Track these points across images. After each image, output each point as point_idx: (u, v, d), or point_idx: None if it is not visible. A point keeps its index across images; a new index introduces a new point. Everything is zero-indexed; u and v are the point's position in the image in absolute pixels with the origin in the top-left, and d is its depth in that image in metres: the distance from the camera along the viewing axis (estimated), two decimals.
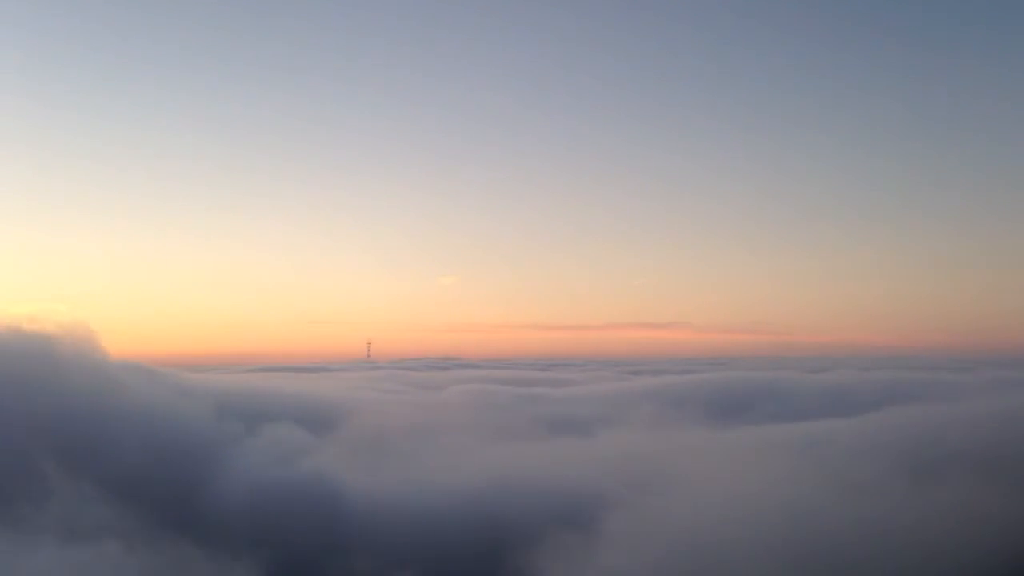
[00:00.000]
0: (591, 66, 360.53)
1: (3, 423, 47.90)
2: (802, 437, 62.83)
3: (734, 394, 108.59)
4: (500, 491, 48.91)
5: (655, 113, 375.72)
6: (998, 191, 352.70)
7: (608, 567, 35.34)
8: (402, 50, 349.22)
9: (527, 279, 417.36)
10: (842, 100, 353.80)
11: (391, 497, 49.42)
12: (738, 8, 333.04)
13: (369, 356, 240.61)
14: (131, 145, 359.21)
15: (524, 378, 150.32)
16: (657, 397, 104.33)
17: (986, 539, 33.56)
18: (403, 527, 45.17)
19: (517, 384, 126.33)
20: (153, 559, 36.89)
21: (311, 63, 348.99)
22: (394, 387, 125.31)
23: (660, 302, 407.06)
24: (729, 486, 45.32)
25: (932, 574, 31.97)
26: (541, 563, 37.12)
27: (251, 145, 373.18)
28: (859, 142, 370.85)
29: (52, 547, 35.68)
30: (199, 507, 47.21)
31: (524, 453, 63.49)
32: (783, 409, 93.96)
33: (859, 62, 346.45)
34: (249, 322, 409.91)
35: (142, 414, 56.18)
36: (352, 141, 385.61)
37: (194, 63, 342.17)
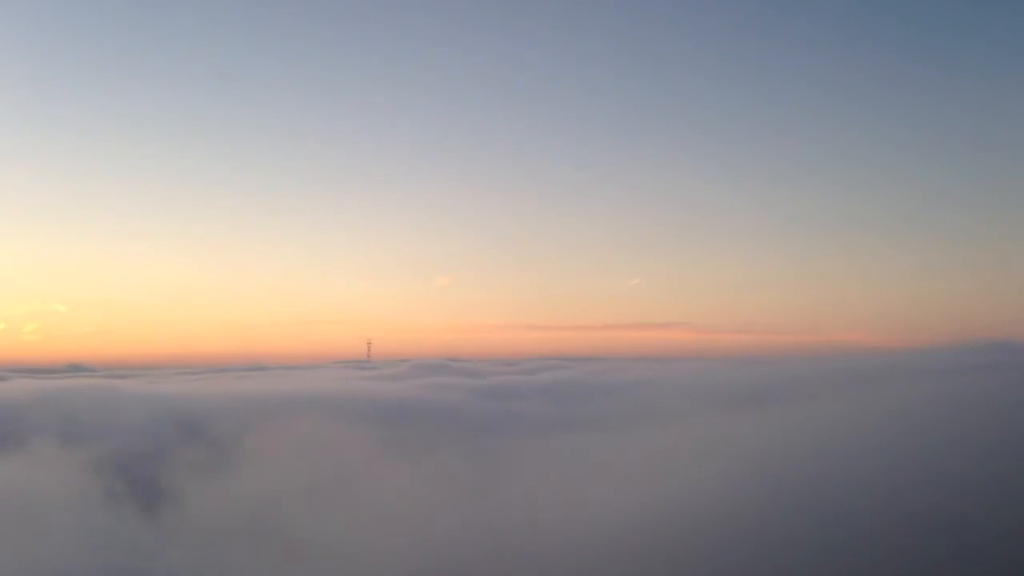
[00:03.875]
0: (588, 65, 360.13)
1: None
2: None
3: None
4: None
5: (653, 112, 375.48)
6: (1001, 193, 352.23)
7: None
8: (400, 51, 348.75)
9: (526, 280, 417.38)
10: (845, 99, 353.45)
11: None
12: (738, 4, 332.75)
13: (369, 356, 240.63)
14: (130, 144, 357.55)
15: None
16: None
17: None
18: None
19: None
20: None
21: (308, 64, 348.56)
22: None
23: (659, 302, 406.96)
24: None
25: None
26: None
27: (249, 146, 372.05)
28: (859, 141, 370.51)
29: None
30: None
31: None
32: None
33: (852, 66, 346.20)
34: (248, 323, 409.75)
35: None
36: (351, 142, 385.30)
37: (192, 65, 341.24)
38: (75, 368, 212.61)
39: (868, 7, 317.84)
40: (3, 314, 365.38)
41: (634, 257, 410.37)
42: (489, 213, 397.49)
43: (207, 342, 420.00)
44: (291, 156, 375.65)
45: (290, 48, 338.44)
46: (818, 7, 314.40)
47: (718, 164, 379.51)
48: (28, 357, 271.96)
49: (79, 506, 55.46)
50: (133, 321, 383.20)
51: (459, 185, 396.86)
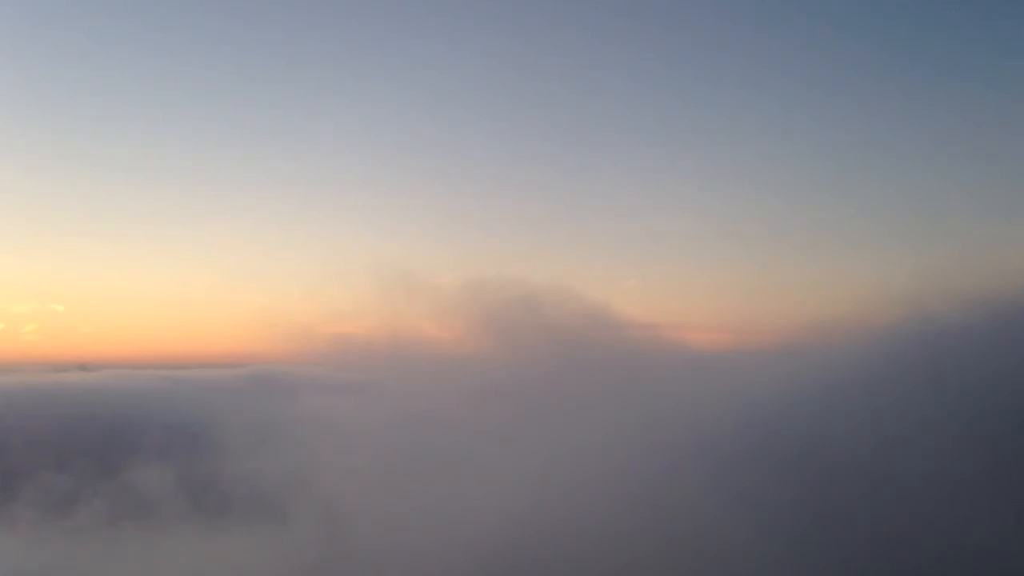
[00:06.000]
0: (585, 63, 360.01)
1: None
2: None
3: None
4: None
5: (653, 112, 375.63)
6: (1001, 193, 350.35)
7: None
8: (398, 50, 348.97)
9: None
10: (846, 98, 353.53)
11: None
12: (739, 3, 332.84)
13: None
14: (130, 144, 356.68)
15: None
16: None
17: None
18: None
19: None
20: None
21: (305, 63, 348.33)
22: None
23: (659, 302, 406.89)
24: None
25: None
26: None
27: (249, 146, 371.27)
28: (859, 141, 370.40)
29: None
30: None
31: None
32: None
33: (850, 67, 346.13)
34: (248, 323, 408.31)
35: None
36: (350, 142, 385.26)
37: (191, 65, 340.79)
38: (73, 368, 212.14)
39: (876, 5, 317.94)
40: (3, 314, 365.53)
41: (634, 257, 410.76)
42: (487, 212, 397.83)
43: (206, 342, 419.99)
44: (291, 156, 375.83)
45: (288, 47, 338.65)
46: (820, 7, 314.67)
47: (718, 164, 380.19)
48: (27, 357, 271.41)
49: None
50: (132, 321, 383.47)
51: (458, 185, 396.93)
